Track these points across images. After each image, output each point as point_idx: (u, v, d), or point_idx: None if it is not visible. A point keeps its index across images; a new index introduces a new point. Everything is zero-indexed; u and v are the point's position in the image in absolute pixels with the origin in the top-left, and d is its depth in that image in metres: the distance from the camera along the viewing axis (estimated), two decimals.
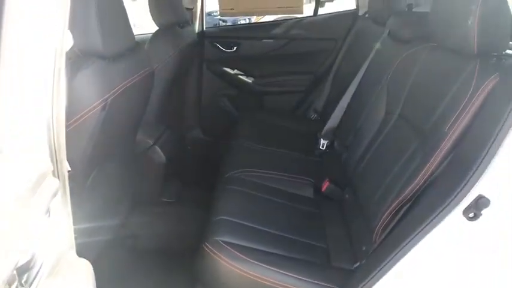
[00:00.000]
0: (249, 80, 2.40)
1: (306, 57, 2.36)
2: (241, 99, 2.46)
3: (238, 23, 4.22)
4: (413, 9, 1.73)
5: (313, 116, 2.29)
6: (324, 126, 1.87)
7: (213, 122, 2.48)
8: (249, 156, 1.71)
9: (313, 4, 2.37)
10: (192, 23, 2.21)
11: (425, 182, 1.00)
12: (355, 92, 1.76)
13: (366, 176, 1.35)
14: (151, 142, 1.62)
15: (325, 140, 1.82)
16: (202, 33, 2.31)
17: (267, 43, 2.35)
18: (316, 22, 2.36)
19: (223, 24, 3.71)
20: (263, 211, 1.32)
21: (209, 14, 3.70)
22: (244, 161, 1.63)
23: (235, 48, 2.35)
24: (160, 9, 1.79)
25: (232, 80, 2.41)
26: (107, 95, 1.07)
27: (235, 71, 2.41)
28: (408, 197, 1.03)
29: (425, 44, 1.33)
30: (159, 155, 1.63)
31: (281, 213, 1.34)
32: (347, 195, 1.43)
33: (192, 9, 2.19)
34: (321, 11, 2.35)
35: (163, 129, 1.74)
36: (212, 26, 2.94)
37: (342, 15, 2.34)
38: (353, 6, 2.31)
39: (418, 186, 1.01)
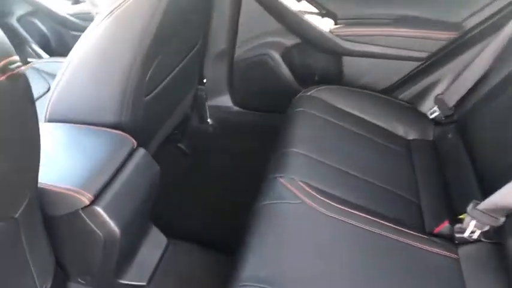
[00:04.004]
0: (323, 27, 1.30)
1: None
2: (303, 54, 1.39)
3: None
4: None
5: (434, 111, 1.22)
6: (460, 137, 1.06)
7: (251, 90, 1.48)
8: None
9: None
10: None
11: None
12: None
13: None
14: (86, 201, 0.72)
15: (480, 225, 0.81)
16: None
17: None
18: None
19: None
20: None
21: None
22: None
23: None
24: None
25: (292, 21, 1.32)
26: None
27: (302, 4, 1.30)
28: None
29: None
30: (106, 222, 0.74)
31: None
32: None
33: None
34: None
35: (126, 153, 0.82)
36: None
37: None
38: None
39: None
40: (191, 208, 1.26)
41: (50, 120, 0.90)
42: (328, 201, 0.86)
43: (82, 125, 0.87)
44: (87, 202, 0.70)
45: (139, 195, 0.83)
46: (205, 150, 1.54)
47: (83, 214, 0.72)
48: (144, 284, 0.90)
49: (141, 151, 0.86)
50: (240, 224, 0.86)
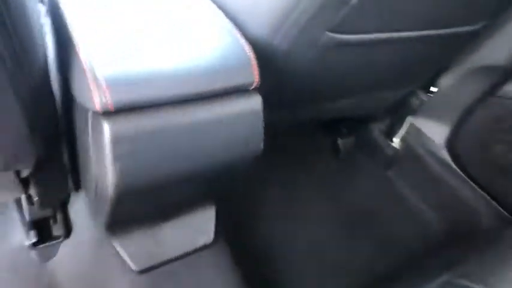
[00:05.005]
0: None
1: None
2: None
3: None
4: None
5: None
6: None
7: (494, 154, 0.90)
8: None
9: None
10: None
11: None
12: None
13: None
14: (96, 104, 0.39)
15: None
16: None
17: None
18: None
19: None
20: None
21: None
22: None
23: None
24: None
25: None
26: None
27: None
28: None
29: None
30: (105, 160, 0.41)
31: None
32: None
33: None
34: None
35: None
36: None
37: None
38: None
39: None
40: (286, 221, 0.86)
41: None
42: None
43: (225, 21, 0.53)
44: (96, 107, 0.37)
45: (198, 162, 0.47)
46: (364, 173, 1.07)
47: (89, 119, 0.41)
48: (134, 269, 0.58)
49: (256, 100, 0.48)
50: None
